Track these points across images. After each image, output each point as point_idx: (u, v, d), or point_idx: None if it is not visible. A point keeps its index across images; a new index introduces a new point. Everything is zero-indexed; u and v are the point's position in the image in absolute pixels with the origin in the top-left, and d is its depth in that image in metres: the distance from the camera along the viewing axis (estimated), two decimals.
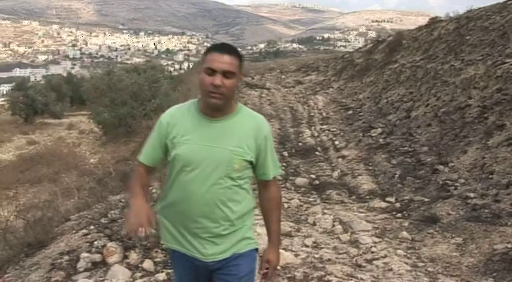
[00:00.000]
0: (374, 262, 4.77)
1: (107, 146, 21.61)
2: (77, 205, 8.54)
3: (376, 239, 5.44)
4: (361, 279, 4.28)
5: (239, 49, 2.55)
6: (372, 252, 5.04)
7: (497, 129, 7.85)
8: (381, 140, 10.57)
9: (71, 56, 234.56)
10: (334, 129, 12.94)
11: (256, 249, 2.53)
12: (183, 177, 2.37)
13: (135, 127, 20.81)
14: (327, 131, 12.88)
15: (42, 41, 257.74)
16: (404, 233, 5.63)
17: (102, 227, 5.57)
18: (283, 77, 25.67)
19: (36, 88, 32.69)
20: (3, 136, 26.52)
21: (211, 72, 2.28)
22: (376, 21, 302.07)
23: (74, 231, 5.82)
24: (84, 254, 4.47)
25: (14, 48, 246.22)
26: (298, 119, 14.82)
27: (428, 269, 4.63)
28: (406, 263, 4.74)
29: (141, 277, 4.04)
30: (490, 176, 6.59)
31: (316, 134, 12.67)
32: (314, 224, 5.95)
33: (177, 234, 2.43)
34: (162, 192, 2.54)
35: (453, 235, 5.32)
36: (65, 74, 52.45)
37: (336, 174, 8.90)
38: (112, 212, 5.96)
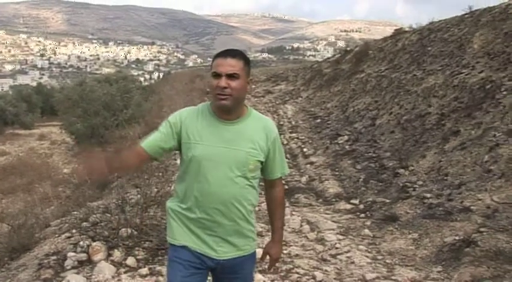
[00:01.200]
0: (338, 256, 5.24)
1: (79, 156, 21.73)
2: (55, 212, 8.83)
3: (341, 237, 5.92)
4: (326, 271, 4.74)
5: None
6: (336, 248, 5.52)
7: (453, 135, 8.42)
8: (347, 146, 11.07)
9: (39, 66, 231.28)
10: (303, 137, 13.40)
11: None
12: (198, 178, 2.46)
13: (107, 137, 21.00)
14: (296, 139, 13.32)
15: (9, 51, 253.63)
16: (366, 231, 6.13)
17: (84, 230, 5.88)
18: (253, 86, 26.04)
19: (6, 99, 32.55)
20: None
21: (217, 75, 2.42)
22: (345, 31, 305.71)
23: (56, 235, 6.13)
24: (71, 254, 4.81)
25: None
26: None
27: (387, 261, 5.13)
28: (367, 257, 5.23)
29: (125, 272, 4.41)
30: (445, 178, 7.13)
31: (285, 142, 13.09)
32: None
33: (189, 232, 2.52)
34: (175, 190, 2.62)
35: (410, 231, 5.83)
36: (33, 84, 51.98)
37: (304, 179, 9.35)
38: (93, 216, 6.26)
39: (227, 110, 2.47)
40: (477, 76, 10.28)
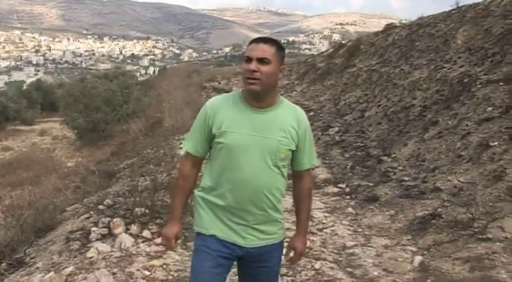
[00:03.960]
0: (324, 230, 6.05)
1: (82, 150, 22.45)
2: (67, 200, 9.59)
3: (327, 215, 6.73)
4: (313, 240, 5.54)
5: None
6: (323, 223, 6.33)
7: (432, 125, 9.20)
8: (337, 137, 11.83)
9: (34, 62, 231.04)
10: None
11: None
12: (230, 166, 2.48)
13: (109, 132, 21.77)
14: None
15: (4, 47, 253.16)
16: (350, 209, 6.94)
17: (101, 211, 6.65)
18: None
19: (7, 95, 33.23)
20: None
21: (249, 60, 2.44)
22: (340, 24, 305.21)
23: (76, 217, 6.91)
24: (94, 228, 5.59)
25: None
26: None
27: (365, 232, 5.95)
28: (349, 230, 6.05)
29: (142, 242, 5.19)
30: (422, 163, 7.92)
31: None
32: None
33: (218, 221, 2.55)
34: (205, 178, 2.64)
35: (388, 209, 6.64)
36: (28, 81, 52.53)
37: None
38: (107, 200, 7.04)
39: (257, 95, 2.49)
40: (457, 70, 10.99)
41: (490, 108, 8.26)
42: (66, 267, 4.61)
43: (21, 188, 15.75)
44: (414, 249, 5.20)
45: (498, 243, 4.70)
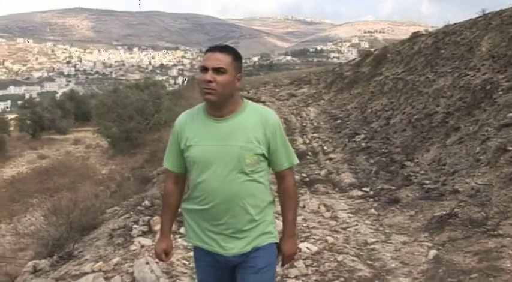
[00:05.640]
0: (347, 229, 6.46)
1: (115, 158, 23.23)
2: (104, 204, 10.16)
3: (351, 215, 7.14)
4: (336, 237, 5.96)
5: None
6: (347, 223, 6.74)
7: (454, 131, 9.52)
8: (363, 144, 12.19)
9: (66, 73, 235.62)
10: (324, 137, 14.49)
11: (277, 244, 2.64)
12: (199, 178, 2.49)
13: (141, 140, 22.47)
14: (317, 139, 14.43)
15: (37, 59, 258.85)
16: (373, 211, 7.33)
17: (139, 211, 7.19)
18: (277, 90, 27.10)
19: (43, 105, 34.44)
20: (14, 151, 28.14)
21: (204, 69, 2.42)
22: (369, 32, 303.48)
23: (116, 217, 7.45)
24: (135, 226, 6.11)
25: (9, 66, 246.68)
26: (292, 129, 16.23)
27: (386, 231, 6.34)
28: (371, 228, 6.44)
29: (180, 237, 5.67)
30: (443, 168, 8.26)
31: (307, 141, 14.21)
32: (304, 206, 7.58)
33: (199, 232, 2.57)
34: (189, 189, 2.65)
35: (409, 210, 7.01)
36: (60, 91, 54.09)
37: (323, 172, 10.52)
38: (146, 202, 7.57)
39: (215, 105, 2.47)
40: (480, 78, 11.25)
41: (510, 114, 8.56)
42: (113, 258, 5.13)
43: (59, 194, 16.51)
44: (430, 244, 5.57)
45: (508, 239, 5.05)
